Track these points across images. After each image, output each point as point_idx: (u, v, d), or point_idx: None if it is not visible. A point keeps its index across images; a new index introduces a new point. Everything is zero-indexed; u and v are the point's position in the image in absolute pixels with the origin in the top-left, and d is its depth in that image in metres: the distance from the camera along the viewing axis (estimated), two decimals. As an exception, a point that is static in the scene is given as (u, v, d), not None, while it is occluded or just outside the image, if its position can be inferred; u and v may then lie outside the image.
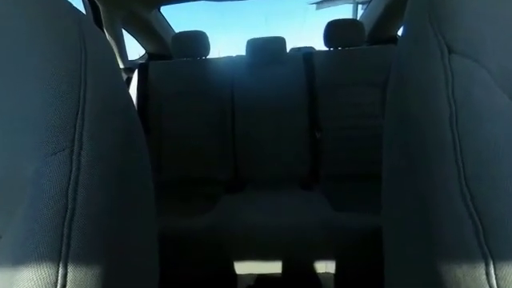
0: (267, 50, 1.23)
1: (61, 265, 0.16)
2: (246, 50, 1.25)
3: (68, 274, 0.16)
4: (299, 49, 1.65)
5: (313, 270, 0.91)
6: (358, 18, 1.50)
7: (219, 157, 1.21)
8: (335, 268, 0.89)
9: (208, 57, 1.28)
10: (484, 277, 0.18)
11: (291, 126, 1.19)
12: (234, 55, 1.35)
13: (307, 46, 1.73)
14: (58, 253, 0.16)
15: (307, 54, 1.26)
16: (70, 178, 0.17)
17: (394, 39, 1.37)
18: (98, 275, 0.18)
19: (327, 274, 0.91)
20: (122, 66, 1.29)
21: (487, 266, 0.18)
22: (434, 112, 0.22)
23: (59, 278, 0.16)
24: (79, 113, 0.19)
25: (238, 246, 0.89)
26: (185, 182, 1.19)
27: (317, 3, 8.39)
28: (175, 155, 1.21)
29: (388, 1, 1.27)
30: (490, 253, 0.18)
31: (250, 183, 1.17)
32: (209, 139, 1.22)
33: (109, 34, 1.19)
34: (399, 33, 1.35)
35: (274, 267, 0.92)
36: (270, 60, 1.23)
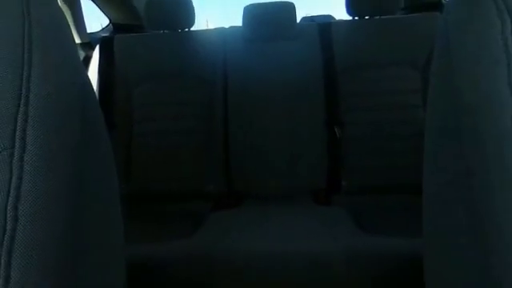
0: (271, 20, 1.00)
1: None
2: (243, 20, 1.00)
3: None
4: (313, 18, 1.45)
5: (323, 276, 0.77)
6: None
7: (206, 162, 0.98)
8: None
9: (192, 29, 1.05)
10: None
11: (303, 121, 0.97)
12: (227, 26, 1.11)
13: (324, 14, 1.50)
14: None
15: (324, 24, 1.04)
16: (8, 191, 0.14)
17: (440, 5, 1.14)
18: None
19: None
20: (78, 40, 1.02)
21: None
22: (494, 97, 0.19)
23: None
24: (21, 103, 0.15)
25: (230, 281, 0.72)
26: (160, 195, 0.97)
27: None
28: (148, 159, 0.99)
29: None
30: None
31: (247, 198, 0.96)
32: (192, 138, 0.99)
33: (62, 1, 0.95)
34: None
35: None
36: (274, 33, 1.00)
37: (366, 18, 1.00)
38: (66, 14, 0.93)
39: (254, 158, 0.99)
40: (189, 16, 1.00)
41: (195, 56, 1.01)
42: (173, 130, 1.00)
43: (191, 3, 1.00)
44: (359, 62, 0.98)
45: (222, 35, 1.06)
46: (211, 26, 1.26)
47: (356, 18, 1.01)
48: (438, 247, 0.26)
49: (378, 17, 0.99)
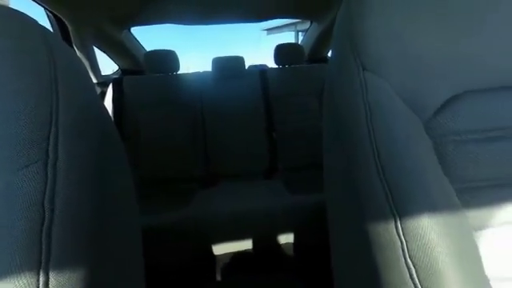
0: (230, 67, 1.27)
1: (41, 273, 0.14)
2: (212, 67, 1.27)
3: (50, 281, 0.14)
4: (256, 66, 1.73)
5: (277, 242, 0.96)
6: (299, 43, 1.62)
7: (194, 157, 1.19)
8: (294, 238, 0.96)
9: (179, 72, 1.27)
10: (394, 230, 0.21)
11: (252, 129, 1.23)
12: (201, 71, 1.34)
13: (262, 63, 1.80)
14: (38, 261, 0.14)
15: (262, 70, 1.33)
16: (45, 188, 0.15)
17: (326, 59, 1.51)
18: (82, 277, 0.16)
19: (288, 243, 0.98)
20: (95, 80, 1.19)
21: (396, 222, 0.21)
22: (355, 113, 0.24)
23: (41, 285, 0.14)
24: (52, 125, 0.17)
25: (214, 231, 0.90)
26: (163, 180, 1.14)
27: (267, 30, 8.90)
28: (153, 158, 1.15)
29: (320, 30, 1.41)
30: (398, 213, 0.21)
31: (222, 178, 1.17)
32: (183, 142, 1.19)
33: (79, 50, 1.10)
34: (329, 54, 1.44)
35: (246, 244, 0.96)
36: (232, 75, 1.26)
37: (286, 66, 1.33)
38: (83, 60, 1.13)
39: (224, 153, 1.19)
40: (176, 64, 1.22)
41: (182, 90, 1.22)
42: (169, 138, 1.17)
43: (177, 56, 1.22)
44: (284, 92, 1.27)
45: (199, 76, 1.28)
46: (191, 70, 1.40)
47: (280, 66, 1.33)
48: (331, 196, 0.31)
49: (292, 65, 1.32)
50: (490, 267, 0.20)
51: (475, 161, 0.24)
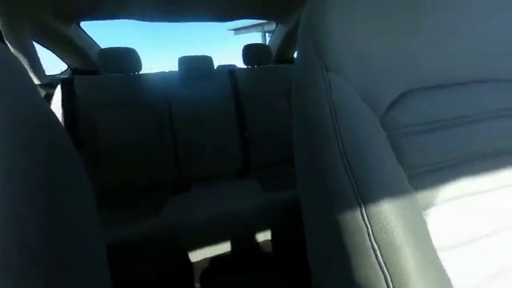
0: (197, 67, 1.23)
1: None
2: (179, 67, 1.22)
3: None
4: (224, 66, 1.71)
5: (255, 241, 0.97)
6: (267, 43, 1.66)
7: (162, 161, 1.13)
8: (271, 235, 0.97)
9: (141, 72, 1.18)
10: (360, 217, 0.23)
11: (224, 129, 1.21)
12: (166, 71, 1.28)
13: (231, 64, 1.79)
14: None
15: (231, 70, 1.31)
16: None
17: (293, 60, 1.57)
18: None
19: (266, 241, 0.99)
20: (37, 81, 1.04)
21: (361, 209, 0.22)
22: (321, 112, 0.26)
23: None
24: None
25: (190, 238, 0.88)
26: (130, 189, 1.06)
27: (234, 30, 8.90)
28: (115, 165, 1.06)
29: (286, 31, 1.45)
30: (363, 201, 0.23)
31: (195, 182, 1.13)
32: (149, 146, 1.11)
33: (14, 46, 0.95)
34: (295, 55, 1.58)
35: (224, 247, 0.94)
36: (200, 75, 1.23)
37: (255, 66, 1.35)
38: (22, 60, 0.99)
39: (195, 154, 1.15)
40: (137, 63, 1.14)
41: (145, 90, 1.13)
42: (131, 142, 1.08)
43: (137, 54, 1.13)
44: (254, 92, 1.28)
45: (164, 77, 1.21)
46: (155, 71, 1.34)
47: (249, 66, 1.35)
48: (304, 189, 0.31)
49: (261, 66, 1.34)
50: (436, 239, 0.23)
51: (422, 150, 0.27)
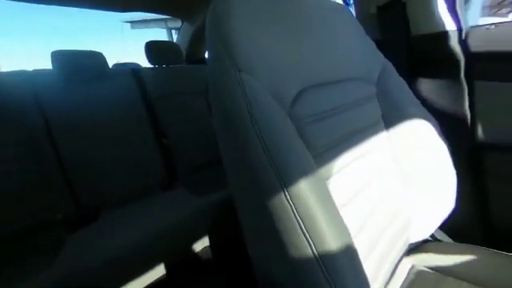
0: (83, 65, 0.98)
1: None
2: (54, 64, 0.93)
3: None
4: (124, 64, 1.45)
5: (192, 252, 0.92)
6: (175, 42, 1.55)
7: (48, 193, 0.85)
8: (209, 240, 0.94)
9: None
10: (285, 198, 0.26)
11: (137, 138, 1.05)
12: (30, 69, 0.93)
13: (132, 62, 1.54)
14: None
15: (136, 69, 1.15)
16: None
17: (204, 60, 1.53)
18: None
19: (205, 248, 0.95)
20: None
21: (285, 192, 0.26)
22: (239, 110, 0.28)
23: None
24: None
25: (107, 278, 0.71)
26: (7, 237, 0.76)
27: (131, 22, 7.69)
28: None
29: (193, 30, 1.40)
30: (285, 185, 0.26)
31: (104, 208, 0.93)
32: (21, 177, 0.82)
33: None
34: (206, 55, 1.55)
35: (159, 270, 0.83)
36: (89, 76, 0.99)
37: (164, 66, 1.23)
38: None
39: (99, 175, 0.93)
40: None
41: None
42: None
43: None
44: (169, 93, 1.16)
45: (28, 78, 0.89)
46: (4, 69, 0.94)
47: (156, 66, 1.22)
48: (235, 189, 0.33)
49: (172, 65, 1.24)
50: (336, 200, 0.31)
51: (318, 134, 0.35)
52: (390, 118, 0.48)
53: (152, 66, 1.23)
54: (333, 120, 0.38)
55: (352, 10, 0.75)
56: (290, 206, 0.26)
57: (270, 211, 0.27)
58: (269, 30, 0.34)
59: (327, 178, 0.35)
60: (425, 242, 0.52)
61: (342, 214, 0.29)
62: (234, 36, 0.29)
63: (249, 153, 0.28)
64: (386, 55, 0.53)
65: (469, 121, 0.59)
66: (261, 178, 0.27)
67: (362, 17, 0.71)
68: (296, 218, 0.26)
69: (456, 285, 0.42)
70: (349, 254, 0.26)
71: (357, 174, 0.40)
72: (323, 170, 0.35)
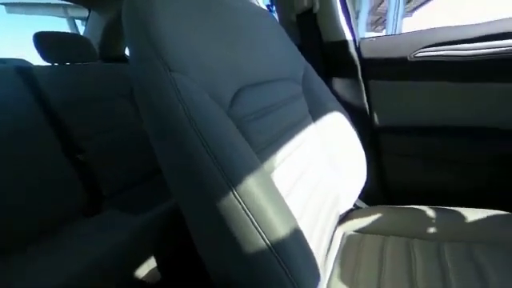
0: None
1: None
2: None
3: None
4: (4, 60, 1.12)
5: (138, 278, 0.79)
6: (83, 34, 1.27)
7: None
8: (156, 260, 0.83)
9: None
10: (233, 197, 0.25)
11: (38, 160, 0.80)
12: None
13: (16, 58, 1.17)
14: None
15: (23, 67, 0.88)
16: None
17: (125, 57, 1.35)
18: None
19: (152, 270, 0.84)
20: None
21: (233, 191, 0.25)
22: (175, 112, 0.26)
23: None
24: None
25: None
26: None
27: (6, 4, 5.78)
28: None
29: (107, 21, 1.20)
30: (232, 184, 0.26)
31: (11, 249, 0.69)
32: None
33: None
34: (127, 52, 1.33)
35: None
36: None
37: (67, 64, 0.99)
38: None
39: None
40: None
41: None
42: None
43: None
44: (77, 98, 0.96)
45: None
46: None
47: (55, 64, 0.97)
48: (180, 196, 0.31)
49: (81, 63, 1.02)
50: (280, 190, 0.34)
51: (259, 131, 0.37)
52: (315, 113, 0.56)
53: (49, 64, 0.97)
54: (270, 117, 0.41)
55: (275, 16, 0.82)
56: (240, 203, 0.26)
57: (221, 212, 0.27)
58: (199, 28, 0.33)
59: (271, 172, 0.38)
60: (350, 211, 0.64)
61: (287, 202, 0.32)
62: (162, 33, 0.27)
63: (192, 157, 0.27)
64: (306, 58, 0.61)
65: (368, 111, 0.76)
66: (207, 180, 0.27)
67: (284, 23, 0.79)
68: (247, 213, 0.26)
69: (372, 238, 0.53)
70: (297, 237, 0.29)
71: (295, 164, 0.44)
72: (266, 165, 0.37)
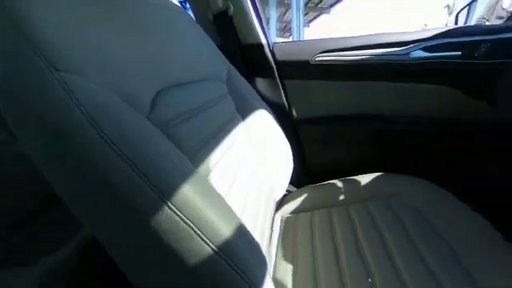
0: None
1: None
2: None
3: None
4: None
5: None
6: None
7: None
8: None
9: None
10: (169, 210, 0.23)
11: None
12: None
13: None
14: None
15: None
16: None
17: None
18: None
19: None
20: None
21: (166, 202, 0.23)
22: (73, 119, 0.22)
23: None
24: None
25: None
26: None
27: None
28: None
29: None
30: (163, 194, 0.23)
31: None
32: None
33: None
34: None
35: None
36: None
37: None
38: None
39: None
40: None
41: None
42: None
43: None
44: None
45: None
46: None
47: None
48: (96, 221, 0.26)
49: None
50: (219, 191, 0.33)
51: (187, 135, 0.35)
52: (242, 111, 0.59)
53: None
54: (198, 119, 0.39)
55: (191, 14, 0.79)
56: (178, 215, 0.24)
57: (157, 229, 0.24)
58: (95, 20, 0.28)
59: (207, 175, 0.37)
60: (284, 196, 0.72)
61: (227, 201, 0.32)
62: (41, 25, 0.22)
63: (107, 173, 0.22)
64: (227, 58, 0.62)
65: (287, 107, 0.86)
66: (134, 197, 0.23)
67: (201, 21, 0.77)
68: (187, 224, 0.24)
69: (303, 216, 0.62)
70: (242, 235, 0.30)
71: (230, 163, 0.45)
72: (201, 169, 0.35)
